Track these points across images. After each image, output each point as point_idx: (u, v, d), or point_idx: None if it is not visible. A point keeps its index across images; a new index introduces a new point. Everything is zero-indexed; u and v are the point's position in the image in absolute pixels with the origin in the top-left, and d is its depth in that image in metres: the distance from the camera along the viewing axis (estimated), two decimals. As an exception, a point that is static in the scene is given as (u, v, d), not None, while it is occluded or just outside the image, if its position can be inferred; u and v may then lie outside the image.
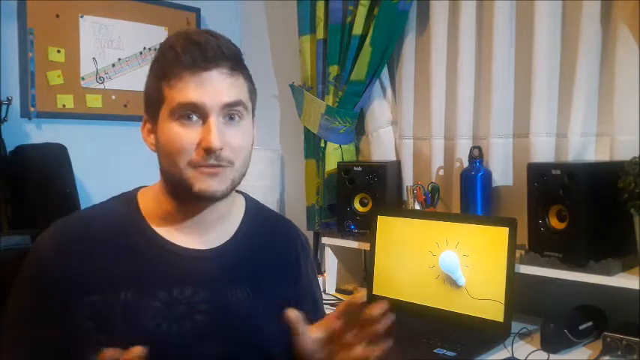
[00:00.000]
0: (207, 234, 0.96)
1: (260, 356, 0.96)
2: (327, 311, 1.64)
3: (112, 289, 0.88)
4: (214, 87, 0.88)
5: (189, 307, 0.90)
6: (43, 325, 0.88)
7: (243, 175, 0.94)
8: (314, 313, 1.08)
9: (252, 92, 0.96)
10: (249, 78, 0.95)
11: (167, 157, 0.89)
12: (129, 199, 0.97)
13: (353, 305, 0.84)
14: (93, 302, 0.87)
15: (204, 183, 0.88)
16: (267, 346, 0.97)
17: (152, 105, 0.92)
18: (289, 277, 1.05)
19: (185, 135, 0.87)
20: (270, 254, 1.03)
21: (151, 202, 0.96)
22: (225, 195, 0.92)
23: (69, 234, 0.92)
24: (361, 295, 0.89)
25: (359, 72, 1.88)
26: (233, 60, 0.90)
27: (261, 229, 1.04)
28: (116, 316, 0.87)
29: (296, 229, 1.14)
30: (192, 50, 0.87)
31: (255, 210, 1.06)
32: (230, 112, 0.90)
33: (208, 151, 0.86)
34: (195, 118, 0.87)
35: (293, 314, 0.87)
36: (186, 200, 0.93)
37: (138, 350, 0.72)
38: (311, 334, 0.88)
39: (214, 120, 0.87)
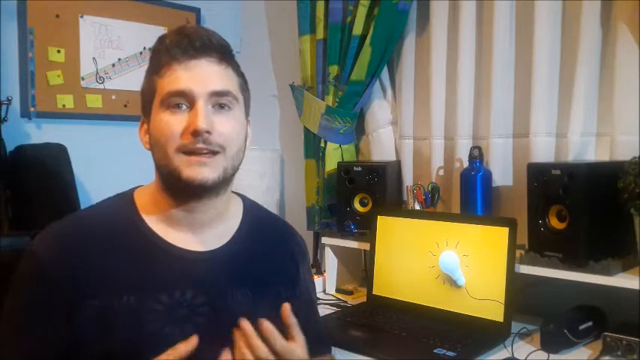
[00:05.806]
0: (205, 233, 0.95)
1: None
2: (327, 311, 1.65)
3: (114, 292, 0.87)
4: (202, 74, 0.89)
5: (190, 310, 0.90)
6: (40, 328, 0.86)
7: (236, 167, 0.94)
8: (309, 316, 1.08)
9: (244, 88, 0.97)
10: (240, 74, 0.96)
11: (158, 146, 0.90)
12: (126, 200, 0.97)
13: None
14: (95, 306, 0.86)
15: (192, 170, 0.88)
16: None
17: (146, 101, 0.93)
18: (288, 280, 1.05)
19: (174, 122, 0.88)
20: (269, 257, 1.03)
21: (147, 202, 0.95)
22: (216, 184, 0.91)
23: (68, 235, 0.91)
24: None
25: (359, 72, 1.88)
26: (222, 50, 0.92)
27: (260, 232, 1.03)
28: (118, 320, 0.86)
29: (294, 232, 1.13)
30: (180, 41, 0.90)
31: (253, 211, 1.05)
32: (219, 101, 0.90)
33: (195, 134, 0.87)
34: (184, 107, 0.89)
35: (290, 319, 0.88)
36: (181, 195, 0.92)
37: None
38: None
39: (202, 105, 0.88)
